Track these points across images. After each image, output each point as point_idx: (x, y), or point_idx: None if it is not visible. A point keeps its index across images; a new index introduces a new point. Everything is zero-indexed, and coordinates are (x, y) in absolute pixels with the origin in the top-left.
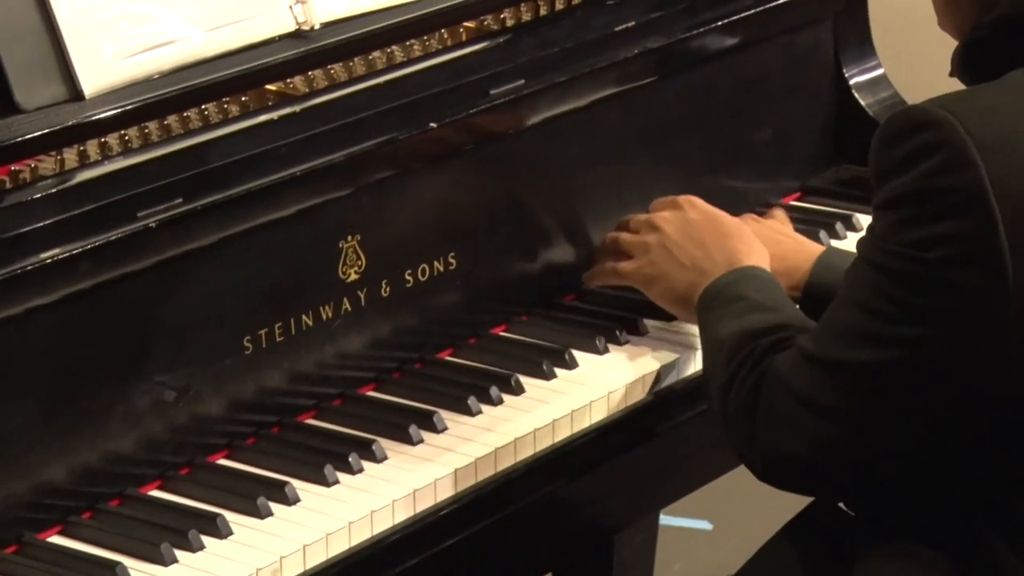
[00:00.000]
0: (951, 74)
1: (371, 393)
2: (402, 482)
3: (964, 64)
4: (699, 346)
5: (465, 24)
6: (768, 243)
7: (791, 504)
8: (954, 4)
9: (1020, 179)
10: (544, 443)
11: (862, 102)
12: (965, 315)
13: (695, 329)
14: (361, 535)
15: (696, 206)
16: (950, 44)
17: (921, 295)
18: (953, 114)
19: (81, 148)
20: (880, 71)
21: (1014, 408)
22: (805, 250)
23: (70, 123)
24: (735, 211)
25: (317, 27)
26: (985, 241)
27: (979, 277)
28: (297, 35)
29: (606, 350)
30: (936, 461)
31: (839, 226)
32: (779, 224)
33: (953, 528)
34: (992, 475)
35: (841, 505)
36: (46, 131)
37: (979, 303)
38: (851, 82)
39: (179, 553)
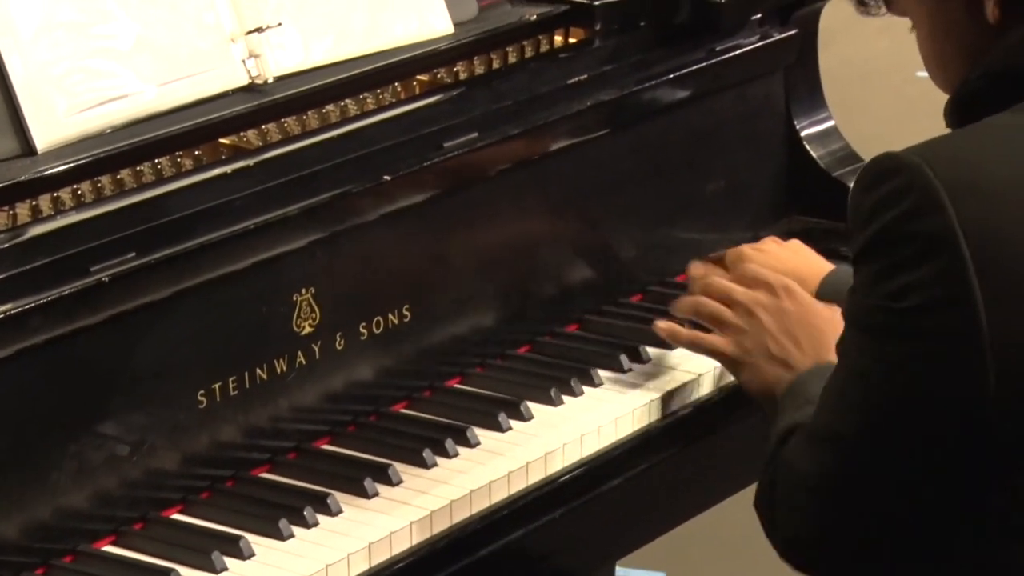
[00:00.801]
0: (947, 127)
1: (326, 446)
2: (358, 535)
3: (956, 118)
4: (653, 395)
5: (419, 77)
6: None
7: (745, 554)
8: (942, 62)
9: (989, 222)
10: (499, 495)
11: (813, 154)
12: (941, 364)
13: (648, 379)
14: None
15: (793, 295)
16: (899, 97)
17: (898, 345)
18: (923, 159)
19: (34, 203)
20: (831, 123)
21: (999, 463)
22: (817, 268)
23: (22, 178)
24: (688, 262)
25: (270, 81)
26: (956, 285)
27: (952, 322)
28: (250, 89)
29: (561, 401)
30: (934, 532)
31: None
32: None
33: None
34: (987, 548)
35: None
36: None
37: (953, 350)
38: (802, 134)
39: None
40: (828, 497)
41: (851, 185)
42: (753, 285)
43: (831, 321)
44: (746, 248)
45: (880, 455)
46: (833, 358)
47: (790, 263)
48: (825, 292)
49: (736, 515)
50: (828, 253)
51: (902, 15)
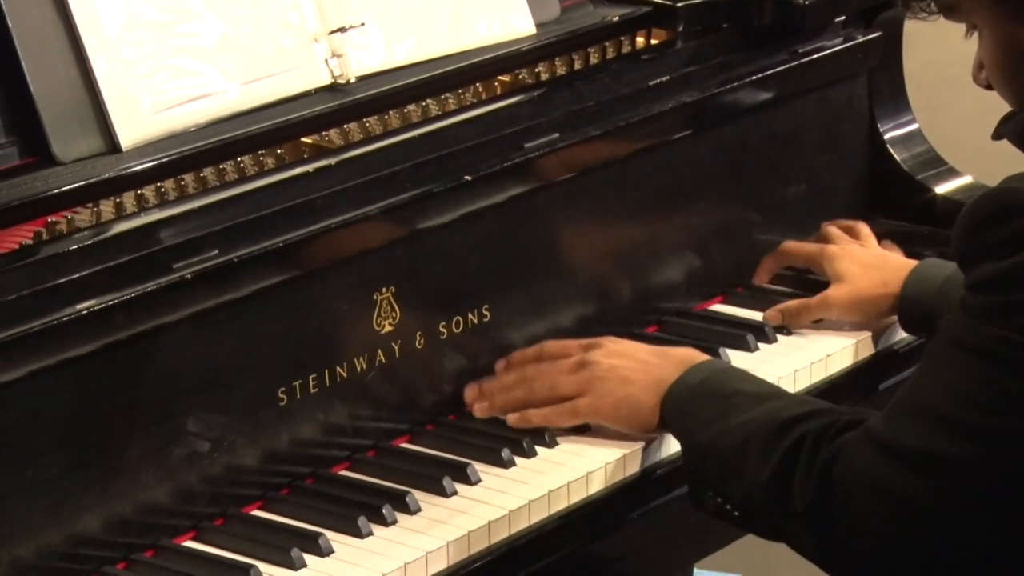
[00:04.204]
0: (994, 136)
1: (405, 445)
2: (436, 534)
3: None
4: None
5: (500, 78)
6: (865, 257)
7: None
8: (1018, 76)
9: None
10: (578, 495)
11: (897, 157)
12: None
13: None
14: None
15: (617, 340)
16: (983, 99)
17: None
18: None
19: (117, 200)
20: (915, 126)
21: None
22: (901, 262)
23: (107, 175)
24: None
25: (353, 80)
26: None
27: None
28: (333, 88)
29: None
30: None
31: None
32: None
33: None
34: None
35: None
36: (83, 183)
37: None
38: (886, 137)
39: None
40: (926, 520)
41: (943, 192)
42: (572, 351)
43: (651, 346)
44: (831, 247)
45: (992, 485)
46: (698, 358)
47: (876, 251)
48: (914, 282)
49: None
50: (911, 256)
51: (964, 22)
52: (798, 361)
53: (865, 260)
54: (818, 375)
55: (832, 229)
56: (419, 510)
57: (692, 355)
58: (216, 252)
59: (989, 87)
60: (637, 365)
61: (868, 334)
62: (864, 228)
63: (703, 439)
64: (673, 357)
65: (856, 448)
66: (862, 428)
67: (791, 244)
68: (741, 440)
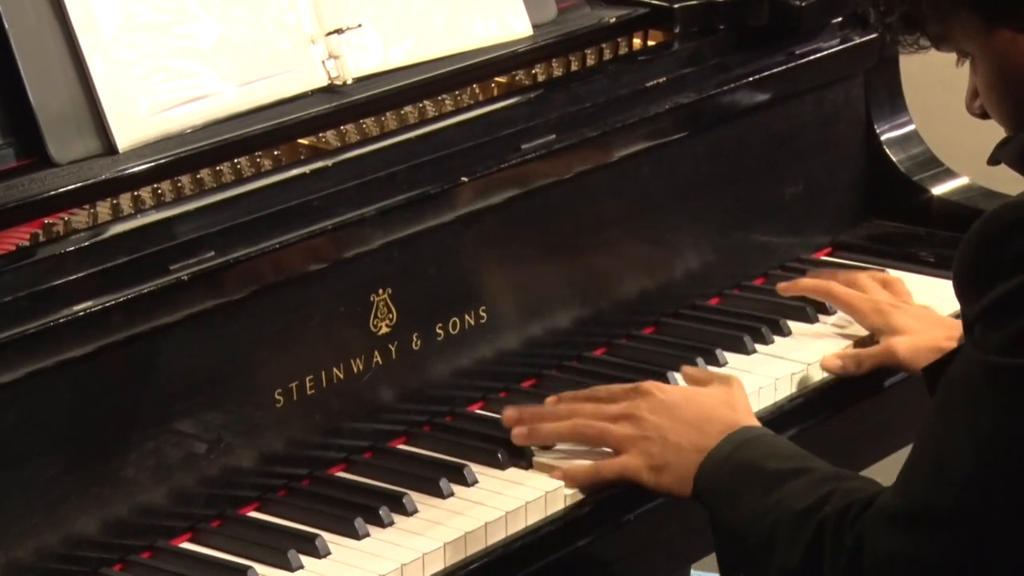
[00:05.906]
0: (990, 162)
1: (402, 446)
2: (433, 535)
3: None
4: None
5: (497, 79)
6: (921, 312)
7: None
8: (1014, 101)
9: None
10: (575, 496)
11: (893, 158)
12: None
13: None
14: None
15: (664, 389)
16: None
17: None
18: None
19: (114, 201)
20: (911, 127)
21: None
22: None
23: (103, 177)
24: (765, 266)
25: (349, 82)
26: None
27: None
28: (330, 90)
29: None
30: None
31: None
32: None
33: None
34: None
35: None
36: (79, 185)
37: None
38: (882, 138)
39: None
40: None
41: (929, 192)
42: (619, 397)
43: (712, 395)
44: (882, 299)
45: (1014, 538)
46: (743, 423)
47: (925, 308)
48: None
49: None
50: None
51: (956, 51)
52: (795, 364)
53: (922, 314)
54: (817, 377)
55: (866, 280)
56: (416, 511)
57: (733, 420)
58: (213, 254)
59: (984, 116)
60: (682, 429)
61: (868, 336)
62: (902, 285)
63: (730, 519)
64: (717, 422)
65: (877, 531)
66: (875, 508)
67: (839, 289)
68: (767, 529)
